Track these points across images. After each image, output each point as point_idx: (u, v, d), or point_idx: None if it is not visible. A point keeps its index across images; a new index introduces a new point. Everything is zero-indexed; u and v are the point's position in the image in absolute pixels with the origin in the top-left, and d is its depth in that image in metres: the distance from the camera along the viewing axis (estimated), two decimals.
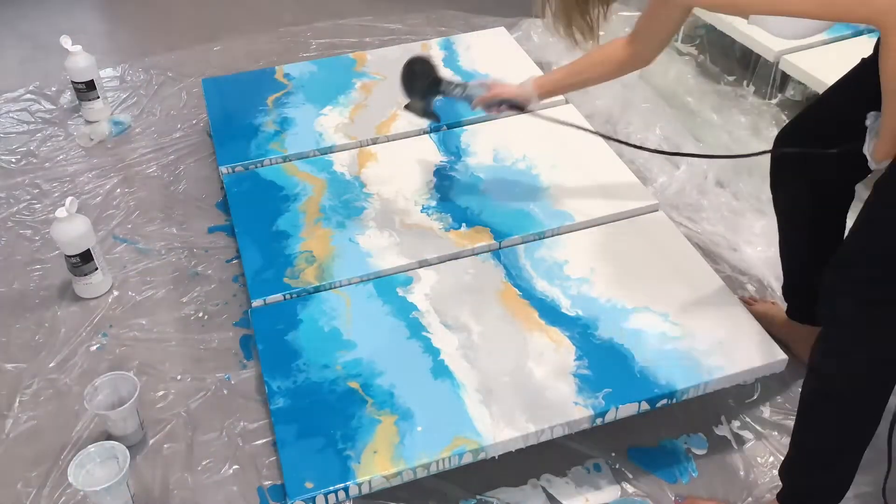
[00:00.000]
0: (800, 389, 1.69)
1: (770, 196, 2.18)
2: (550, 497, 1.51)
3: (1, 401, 1.74)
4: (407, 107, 1.85)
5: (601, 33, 1.51)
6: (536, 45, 2.81)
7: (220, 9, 3.29)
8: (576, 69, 1.67)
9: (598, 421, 1.47)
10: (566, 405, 1.47)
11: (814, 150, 1.38)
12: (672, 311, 1.64)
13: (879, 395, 1.25)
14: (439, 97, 1.78)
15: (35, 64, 2.96)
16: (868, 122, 1.25)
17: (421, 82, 1.74)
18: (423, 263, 1.80)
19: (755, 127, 2.42)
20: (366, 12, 3.15)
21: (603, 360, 1.55)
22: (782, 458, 1.56)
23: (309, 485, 1.36)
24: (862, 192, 1.38)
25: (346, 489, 1.37)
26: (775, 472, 1.54)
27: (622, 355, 1.56)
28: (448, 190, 1.98)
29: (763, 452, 1.59)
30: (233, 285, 1.99)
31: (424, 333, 1.62)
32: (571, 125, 1.85)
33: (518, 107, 1.73)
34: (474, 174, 2.03)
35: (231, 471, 1.58)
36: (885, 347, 1.19)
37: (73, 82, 2.56)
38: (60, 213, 1.86)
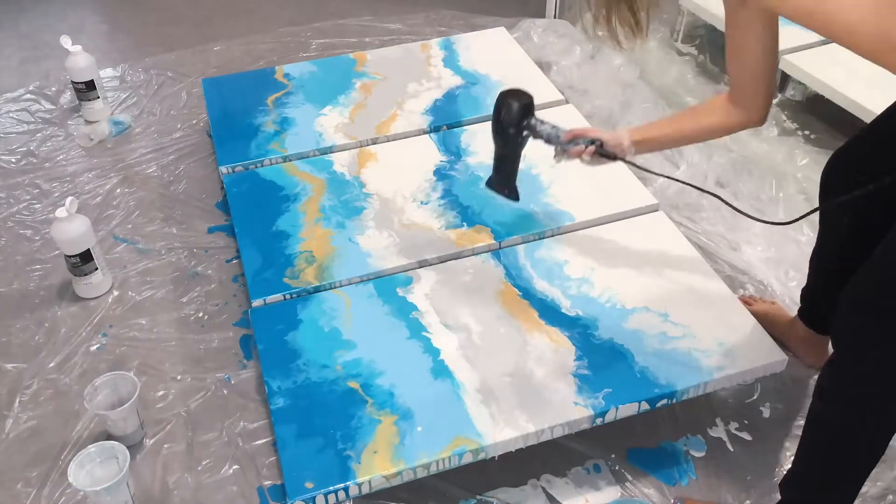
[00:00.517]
0: (799, 389, 1.69)
1: (770, 196, 2.18)
2: (550, 497, 1.51)
3: (1, 401, 1.74)
4: (489, 183, 1.75)
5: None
6: (536, 45, 2.81)
7: (220, 8, 3.29)
8: (675, 119, 1.51)
9: (598, 421, 1.47)
10: (566, 405, 1.47)
11: (863, 191, 1.20)
12: (672, 311, 1.64)
13: (887, 424, 1.22)
14: (527, 133, 1.61)
15: (35, 64, 2.96)
16: None
17: (516, 109, 1.58)
18: (423, 263, 1.80)
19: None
20: (366, 12, 3.15)
21: (603, 361, 1.55)
22: (781, 459, 1.56)
23: (309, 485, 1.36)
24: None
25: (346, 489, 1.37)
26: (774, 472, 1.54)
27: (622, 355, 1.56)
28: (448, 190, 1.98)
29: (762, 453, 1.59)
30: (233, 285, 1.99)
31: (424, 333, 1.62)
32: (661, 175, 1.66)
33: (609, 155, 1.53)
34: (474, 174, 2.03)
35: (231, 471, 1.58)
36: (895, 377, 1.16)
37: (73, 82, 2.56)
38: (60, 212, 1.86)
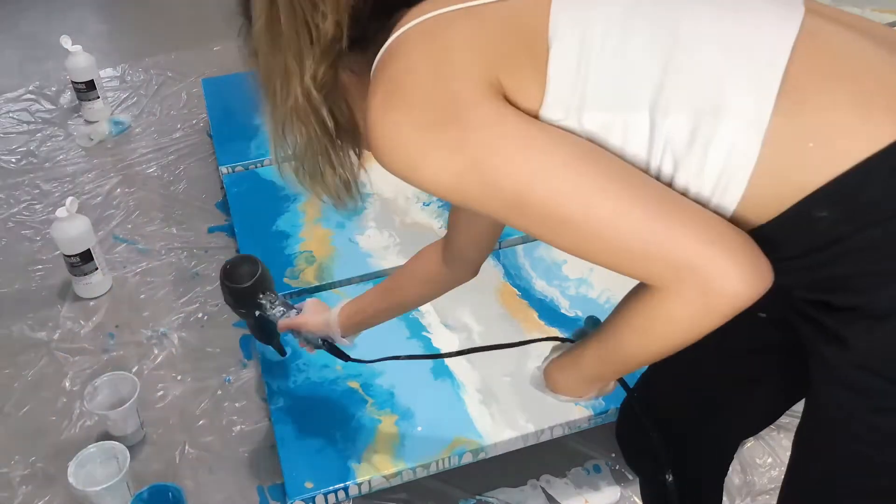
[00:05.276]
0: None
1: None
2: (550, 498, 1.51)
3: (1, 400, 1.74)
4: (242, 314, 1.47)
5: None
6: None
7: (220, 9, 3.29)
8: (386, 290, 1.28)
9: (598, 421, 1.47)
10: (566, 405, 1.47)
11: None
12: None
13: None
14: (259, 313, 1.40)
15: (35, 64, 2.96)
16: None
17: (236, 293, 1.38)
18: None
19: None
20: None
21: None
22: (782, 458, 1.57)
23: (309, 485, 1.36)
24: None
25: (345, 489, 1.37)
26: (774, 472, 1.54)
27: None
28: None
29: (762, 453, 1.59)
30: None
31: (424, 333, 1.62)
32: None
33: (339, 355, 1.34)
34: None
35: (231, 471, 1.58)
36: None
37: (73, 82, 2.56)
38: (61, 212, 1.86)
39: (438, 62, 0.74)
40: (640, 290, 0.74)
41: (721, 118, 0.68)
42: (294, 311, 1.38)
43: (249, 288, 1.36)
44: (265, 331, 1.45)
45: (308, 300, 1.39)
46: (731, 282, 0.66)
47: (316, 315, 1.34)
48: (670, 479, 0.98)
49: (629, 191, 0.70)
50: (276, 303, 1.38)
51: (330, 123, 0.84)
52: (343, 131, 0.86)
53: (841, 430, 0.78)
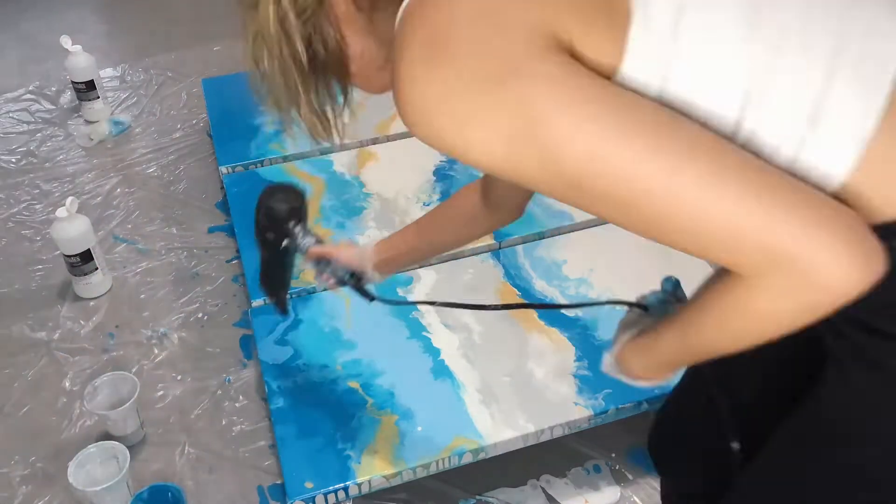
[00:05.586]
0: None
1: None
2: (550, 498, 1.51)
3: (1, 400, 1.74)
4: (260, 283, 1.37)
5: None
6: None
7: (220, 9, 3.29)
8: (422, 227, 1.20)
9: (598, 421, 1.47)
10: (566, 405, 1.47)
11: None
12: None
13: None
14: (287, 243, 1.26)
15: (35, 64, 2.96)
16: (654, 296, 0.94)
17: (277, 213, 1.24)
18: (423, 263, 1.80)
19: None
20: None
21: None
22: None
23: (309, 485, 1.36)
24: None
25: (345, 489, 1.37)
26: None
27: None
28: (448, 190, 1.98)
29: None
30: (233, 285, 1.99)
31: (424, 333, 1.62)
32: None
33: (365, 294, 1.24)
34: (474, 174, 2.03)
35: (231, 471, 1.58)
36: None
37: (73, 82, 2.56)
38: (61, 212, 1.86)
39: (488, 9, 0.62)
40: (725, 276, 0.63)
41: (817, 126, 0.61)
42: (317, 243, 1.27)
43: (290, 210, 1.25)
44: (281, 272, 1.34)
45: (341, 240, 1.26)
46: (835, 273, 0.56)
47: (349, 248, 1.24)
48: (736, 446, 0.90)
49: (718, 162, 0.59)
50: (309, 234, 1.25)
51: (303, 56, 0.72)
52: (324, 64, 0.74)
53: (855, 443, 0.74)
